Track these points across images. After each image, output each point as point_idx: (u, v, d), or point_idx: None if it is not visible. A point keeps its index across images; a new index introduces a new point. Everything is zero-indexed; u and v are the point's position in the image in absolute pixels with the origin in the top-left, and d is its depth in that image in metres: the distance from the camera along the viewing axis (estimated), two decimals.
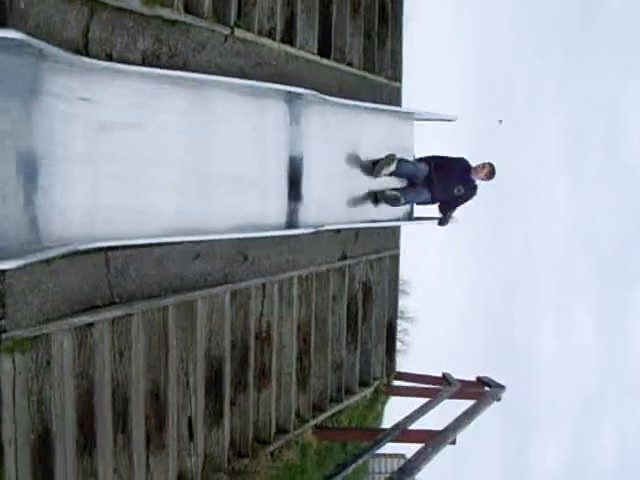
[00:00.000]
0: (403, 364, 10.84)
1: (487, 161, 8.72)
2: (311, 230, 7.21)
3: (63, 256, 4.83)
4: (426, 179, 8.78)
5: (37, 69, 4.60)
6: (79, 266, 5.04)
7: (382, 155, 8.49)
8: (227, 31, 6.32)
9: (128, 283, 5.48)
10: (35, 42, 4.29)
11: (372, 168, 8.38)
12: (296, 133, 7.32)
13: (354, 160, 8.27)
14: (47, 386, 4.83)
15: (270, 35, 7.02)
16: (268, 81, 6.72)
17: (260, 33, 6.82)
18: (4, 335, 4.48)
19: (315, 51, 7.78)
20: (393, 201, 8.48)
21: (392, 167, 8.29)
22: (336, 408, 8.80)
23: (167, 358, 5.85)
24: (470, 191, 8.84)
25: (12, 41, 4.17)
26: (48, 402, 4.85)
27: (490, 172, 8.70)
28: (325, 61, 7.90)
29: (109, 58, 5.17)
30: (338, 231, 8.18)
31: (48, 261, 4.73)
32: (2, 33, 4.11)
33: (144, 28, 5.45)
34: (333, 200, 7.92)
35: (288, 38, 7.33)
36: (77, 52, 4.87)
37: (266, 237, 6.83)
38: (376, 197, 8.60)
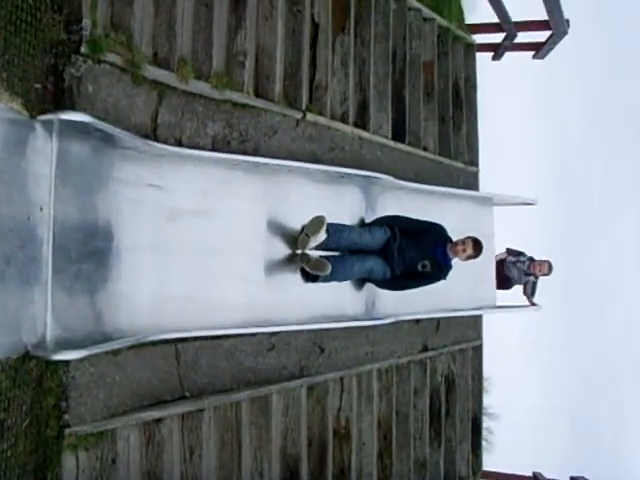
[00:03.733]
0: (488, 463, 10.16)
1: (470, 235, 6.63)
2: (390, 320, 6.86)
3: (131, 347, 4.60)
4: (383, 249, 6.51)
5: (105, 155, 4.48)
6: (147, 358, 4.79)
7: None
8: (299, 115, 6.18)
9: (199, 376, 5.21)
10: (103, 126, 4.17)
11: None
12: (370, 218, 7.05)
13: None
14: None
15: (343, 119, 6.87)
16: (341, 166, 6.52)
17: (332, 117, 6.68)
18: (67, 430, 4.22)
19: (389, 135, 7.60)
20: (314, 274, 5.98)
21: (321, 235, 5.83)
22: None
23: (240, 456, 5.51)
24: (439, 271, 6.62)
25: (80, 125, 4.05)
26: None
27: (473, 250, 6.56)
28: (400, 145, 7.71)
29: (178, 143, 5.05)
30: (418, 321, 7.79)
31: (115, 352, 4.49)
32: (70, 116, 3.99)
33: (214, 112, 5.34)
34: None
35: (361, 122, 7.18)
36: (146, 137, 4.74)
37: (343, 328, 6.50)
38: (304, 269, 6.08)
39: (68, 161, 4.16)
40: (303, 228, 5.90)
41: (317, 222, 5.77)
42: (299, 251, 5.90)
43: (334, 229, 5.97)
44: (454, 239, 6.65)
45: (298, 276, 6.13)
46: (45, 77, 4.04)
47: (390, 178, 7.01)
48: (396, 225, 6.58)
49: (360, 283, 6.78)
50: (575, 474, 9.88)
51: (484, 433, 12.10)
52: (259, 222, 5.79)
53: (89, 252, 4.41)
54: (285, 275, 6.02)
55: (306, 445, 6.28)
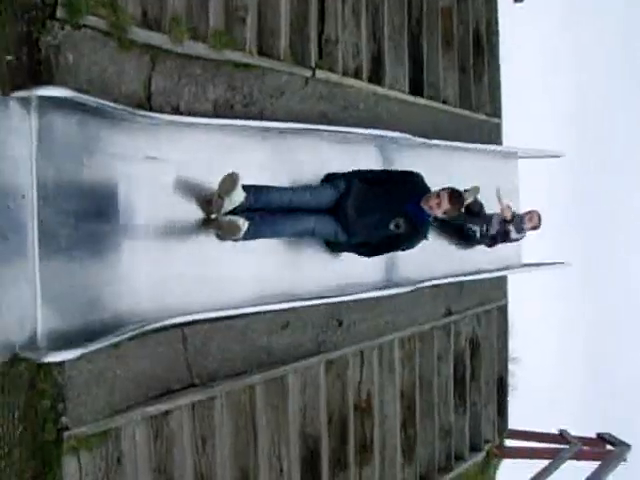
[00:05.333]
0: (511, 408, 9.86)
1: (446, 186, 5.37)
2: (410, 288, 6.47)
3: (132, 337, 4.21)
4: (334, 207, 5.41)
5: (94, 129, 4.05)
6: (151, 347, 4.45)
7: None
8: (308, 73, 5.72)
9: (209, 361, 4.87)
10: (87, 99, 3.74)
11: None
12: None
13: None
14: None
15: (356, 75, 6.41)
16: (356, 126, 6.07)
17: (345, 73, 6.21)
18: (66, 433, 3.90)
19: (406, 90, 7.13)
20: (227, 233, 4.79)
21: (237, 194, 4.64)
22: (445, 478, 7.95)
23: (256, 442, 5.21)
24: (415, 230, 5.42)
25: (61, 99, 3.62)
26: None
27: (449, 203, 5.26)
28: (418, 100, 7.24)
29: (176, 111, 4.61)
30: (440, 285, 7.40)
31: (115, 345, 4.12)
32: (48, 92, 3.55)
33: (214, 75, 4.89)
34: (432, 252, 7.13)
35: (376, 77, 6.70)
36: (139, 106, 4.31)
37: (361, 299, 6.10)
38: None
39: (51, 140, 3.75)
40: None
41: (229, 180, 4.61)
42: (213, 215, 4.81)
43: (256, 190, 4.89)
44: (424, 187, 5.47)
45: (312, 245, 5.72)
46: (17, 48, 3.57)
47: (407, 136, 6.55)
48: (355, 178, 5.46)
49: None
50: (601, 430, 9.68)
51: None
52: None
53: (81, 236, 4.02)
54: (297, 247, 5.60)
55: (326, 423, 5.99)
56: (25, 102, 3.56)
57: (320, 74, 5.84)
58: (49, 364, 3.73)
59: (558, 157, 9.31)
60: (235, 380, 5.00)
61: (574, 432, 9.70)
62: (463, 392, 8.36)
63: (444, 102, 7.87)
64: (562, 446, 9.32)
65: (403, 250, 5.72)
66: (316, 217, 5.27)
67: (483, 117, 8.75)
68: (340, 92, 6.09)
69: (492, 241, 7.81)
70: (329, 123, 5.87)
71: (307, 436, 5.79)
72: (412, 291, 6.59)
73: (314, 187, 5.50)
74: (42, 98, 3.56)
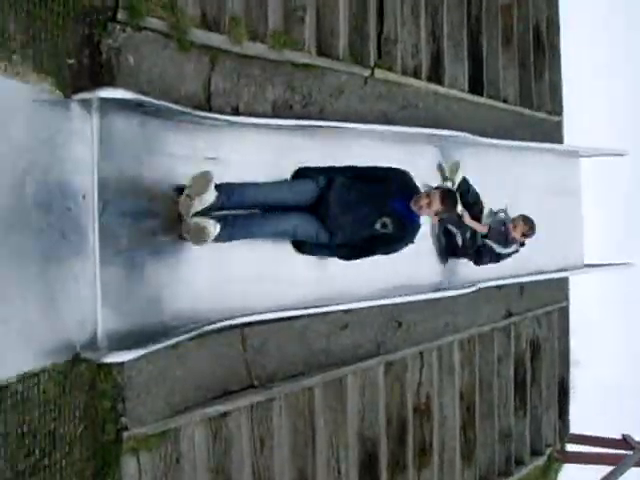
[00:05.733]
0: (572, 411, 9.64)
1: (438, 186, 5.32)
2: (471, 289, 6.34)
3: (192, 338, 4.19)
4: (315, 205, 4.86)
5: (154, 130, 4.05)
6: (211, 347, 4.42)
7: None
8: (367, 73, 5.64)
9: (267, 362, 4.83)
10: (148, 101, 3.73)
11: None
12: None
13: (513, 206, 7.33)
14: None
15: (415, 74, 6.31)
16: (415, 125, 5.97)
17: (404, 73, 6.12)
18: (126, 434, 3.89)
19: (466, 88, 7.00)
20: (195, 237, 4.17)
21: (209, 195, 4.15)
22: None
23: (315, 444, 5.17)
24: (403, 231, 4.91)
25: (122, 100, 3.61)
26: None
27: (441, 204, 4.84)
28: (477, 99, 7.10)
29: (235, 111, 4.58)
30: (500, 286, 7.25)
31: (174, 345, 4.09)
32: (109, 93, 3.55)
33: (273, 75, 4.85)
34: None
35: (435, 76, 6.60)
36: (199, 107, 4.28)
37: (421, 300, 6.01)
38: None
39: (112, 141, 3.75)
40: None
41: (201, 180, 4.14)
42: (186, 218, 4.20)
43: (229, 188, 4.39)
44: (413, 185, 4.99)
45: None
46: (79, 50, 3.58)
47: (466, 135, 6.43)
48: (337, 174, 4.91)
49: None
50: None
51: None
52: None
53: (141, 237, 4.01)
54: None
55: (384, 425, 5.92)
56: (86, 104, 3.56)
57: (379, 73, 5.76)
58: (109, 364, 3.73)
59: (621, 155, 9.04)
60: (294, 382, 4.96)
61: (638, 437, 9.42)
62: (523, 395, 8.20)
63: (504, 101, 7.71)
64: (626, 452, 9.06)
65: (387, 253, 5.07)
66: (296, 215, 4.76)
67: (544, 115, 8.55)
68: (399, 91, 6.00)
69: (477, 257, 6.60)
70: (388, 123, 5.79)
71: (365, 438, 5.72)
72: (472, 292, 6.47)
73: (291, 182, 4.95)
74: (103, 100, 3.55)
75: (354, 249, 5.02)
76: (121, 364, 3.80)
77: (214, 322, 4.33)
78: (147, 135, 4.02)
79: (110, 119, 3.72)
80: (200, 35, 4.27)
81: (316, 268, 5.22)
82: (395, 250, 5.02)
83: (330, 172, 4.92)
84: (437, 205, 4.81)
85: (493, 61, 7.56)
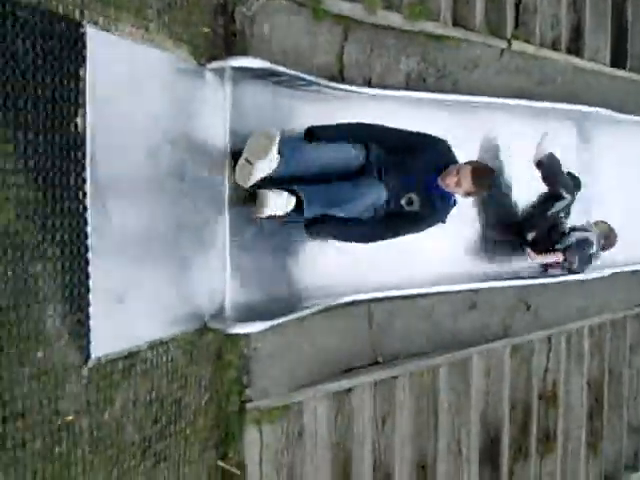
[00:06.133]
0: None
1: (470, 160, 4.39)
2: (605, 273, 6.02)
3: (319, 312, 4.13)
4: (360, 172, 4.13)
5: (286, 100, 3.97)
6: (337, 322, 4.36)
7: None
8: (503, 45, 5.38)
9: (393, 340, 4.74)
10: (281, 70, 3.64)
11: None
12: (585, 158, 6.18)
13: None
14: (298, 459, 4.20)
15: (554, 46, 5.99)
16: (552, 100, 5.68)
17: (542, 45, 5.81)
18: (249, 405, 3.88)
19: (607, 62, 6.60)
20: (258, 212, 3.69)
21: (270, 159, 3.57)
22: (632, 477, 7.48)
23: (437, 424, 5.07)
24: (431, 211, 4.23)
25: (255, 70, 3.54)
26: (299, 477, 4.21)
27: (472, 183, 4.13)
28: (620, 73, 6.67)
29: (368, 83, 4.46)
30: (635, 272, 6.87)
31: (301, 318, 4.03)
32: (243, 62, 3.48)
33: (406, 46, 4.69)
34: (635, 234, 6.58)
35: (575, 48, 6.24)
36: (332, 78, 4.18)
37: (552, 283, 5.74)
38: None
39: (244, 110, 3.71)
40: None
41: (263, 140, 3.58)
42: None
43: (289, 148, 3.72)
44: (449, 158, 4.27)
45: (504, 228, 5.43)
46: (213, 19, 3.53)
47: (607, 111, 6.07)
48: (370, 137, 4.16)
49: None
50: None
51: None
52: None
53: None
54: (488, 227, 5.34)
55: (508, 410, 5.72)
56: (220, 73, 3.52)
57: (516, 45, 5.48)
58: (236, 336, 3.72)
59: None
60: (419, 360, 4.86)
61: None
62: None
63: None
64: None
65: (405, 234, 4.30)
66: (369, 183, 4.06)
67: None
68: (536, 64, 5.70)
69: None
70: (524, 97, 5.51)
71: (488, 422, 5.57)
72: (605, 277, 6.14)
73: (339, 146, 4.06)
74: (236, 69, 3.50)
75: (375, 229, 4.22)
76: (248, 336, 3.78)
77: (341, 297, 4.25)
78: (278, 105, 3.95)
79: (242, 88, 3.68)
80: (334, 4, 4.14)
81: (445, 247, 5.06)
82: (420, 230, 4.31)
83: (362, 135, 4.13)
84: (467, 184, 4.12)
85: (638, 32, 7.09)
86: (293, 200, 3.67)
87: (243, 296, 3.80)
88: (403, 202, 4.15)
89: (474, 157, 5.09)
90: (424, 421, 4.99)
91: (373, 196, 4.03)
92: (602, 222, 5.76)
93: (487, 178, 4.29)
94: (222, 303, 3.70)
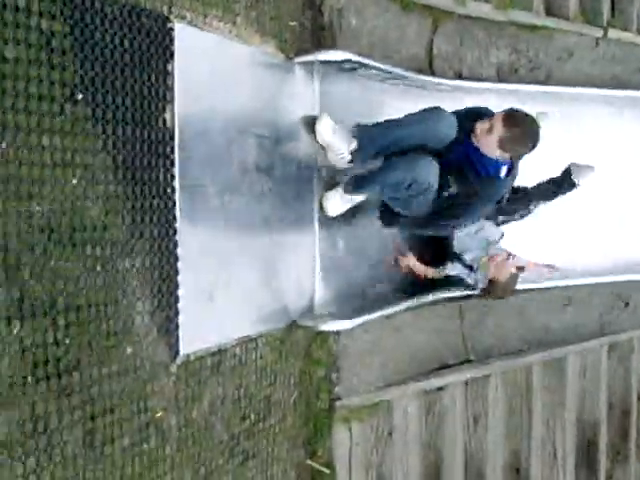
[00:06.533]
0: None
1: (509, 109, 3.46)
2: None
3: (409, 309, 4.03)
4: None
5: (376, 94, 3.89)
6: (428, 319, 4.30)
7: None
8: (599, 33, 5.18)
9: (485, 337, 4.65)
10: (371, 63, 3.56)
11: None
12: None
13: None
14: (388, 459, 4.11)
15: None
16: None
17: None
18: (338, 403, 3.81)
19: None
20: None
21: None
22: None
23: (530, 425, 4.92)
24: (471, 191, 3.57)
25: (343, 64, 3.47)
26: (389, 477, 4.11)
27: (507, 126, 3.34)
28: None
29: (458, 76, 4.34)
30: None
31: (391, 316, 3.94)
32: (331, 56, 3.41)
33: (497, 38, 4.59)
34: None
35: None
36: (420, 71, 4.07)
37: None
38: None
39: (333, 104, 3.62)
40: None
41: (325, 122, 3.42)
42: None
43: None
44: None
45: (595, 219, 5.18)
46: (301, 12, 3.49)
47: None
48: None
49: None
50: None
51: None
52: (555, 158, 4.84)
53: (362, 204, 3.83)
54: (581, 219, 5.12)
55: (606, 411, 5.52)
56: (308, 66, 3.47)
57: (612, 34, 5.27)
58: (325, 333, 3.66)
59: None
60: (512, 358, 4.74)
61: None
62: None
63: None
64: None
65: (454, 225, 3.81)
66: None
67: None
68: (634, 52, 5.46)
69: None
70: (621, 87, 5.27)
71: (584, 423, 5.37)
72: None
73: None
74: (324, 62, 3.45)
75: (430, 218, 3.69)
76: (337, 333, 3.72)
77: (432, 294, 4.14)
78: (368, 99, 3.89)
79: (331, 82, 3.62)
80: None
81: (540, 240, 4.87)
82: (466, 219, 3.73)
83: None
84: (499, 129, 3.34)
85: None
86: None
87: (332, 293, 3.74)
88: (445, 192, 3.54)
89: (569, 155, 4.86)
90: (517, 422, 4.85)
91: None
92: None
93: (525, 124, 3.40)
94: (311, 300, 3.65)
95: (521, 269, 4.04)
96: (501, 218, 4.06)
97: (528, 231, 4.64)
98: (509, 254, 4.02)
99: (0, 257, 2.05)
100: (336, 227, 3.76)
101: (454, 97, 4.24)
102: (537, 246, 4.85)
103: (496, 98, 4.50)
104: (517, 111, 3.42)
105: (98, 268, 2.36)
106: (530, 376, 4.85)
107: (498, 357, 4.66)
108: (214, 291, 2.94)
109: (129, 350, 2.51)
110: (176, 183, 2.68)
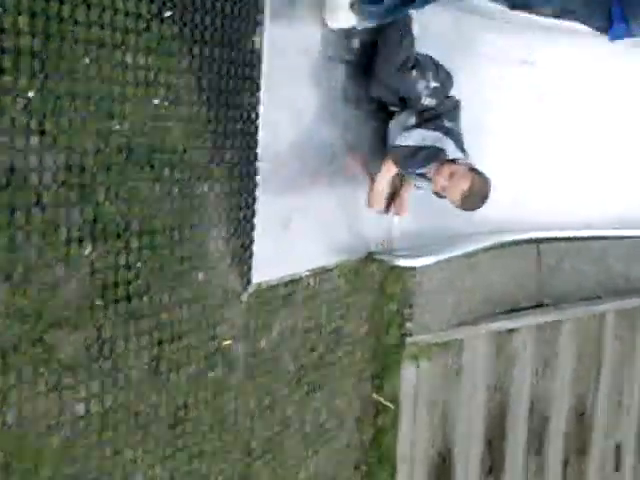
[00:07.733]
0: None
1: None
2: None
3: (486, 249, 3.80)
4: None
5: (467, 27, 3.57)
6: (504, 260, 4.06)
7: None
8: None
9: (560, 282, 4.40)
10: None
11: None
12: None
13: None
14: (454, 398, 3.98)
15: None
16: None
17: None
18: (409, 339, 3.63)
19: None
20: None
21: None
22: None
23: (599, 373, 4.78)
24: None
25: None
26: (453, 416, 4.01)
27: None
28: None
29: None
30: None
31: (467, 255, 3.71)
32: None
33: None
34: None
35: None
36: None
37: None
38: None
39: (425, 38, 3.31)
40: None
41: None
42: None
43: None
44: None
45: None
46: None
47: None
48: None
49: None
50: None
51: None
52: None
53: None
54: None
55: None
56: None
57: None
58: (401, 268, 3.44)
59: None
60: (586, 305, 4.51)
61: None
62: None
63: None
64: None
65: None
66: None
67: None
68: None
69: None
70: None
71: None
72: None
73: None
74: None
75: None
76: (413, 269, 3.51)
77: (510, 234, 3.90)
78: (460, 33, 3.55)
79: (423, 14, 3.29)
80: None
81: (623, 188, 4.55)
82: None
83: None
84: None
85: None
86: None
87: (411, 228, 3.50)
88: None
89: None
90: (586, 369, 4.70)
91: None
92: None
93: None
94: (389, 234, 3.42)
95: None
96: None
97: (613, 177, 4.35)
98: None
99: (75, 176, 1.89)
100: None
101: (549, 35, 3.93)
102: (621, 194, 4.56)
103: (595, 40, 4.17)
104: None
105: (175, 192, 2.19)
106: (603, 324, 4.69)
107: (572, 303, 4.41)
108: (290, 220, 2.75)
109: (201, 276, 2.36)
110: (260, 108, 2.47)
